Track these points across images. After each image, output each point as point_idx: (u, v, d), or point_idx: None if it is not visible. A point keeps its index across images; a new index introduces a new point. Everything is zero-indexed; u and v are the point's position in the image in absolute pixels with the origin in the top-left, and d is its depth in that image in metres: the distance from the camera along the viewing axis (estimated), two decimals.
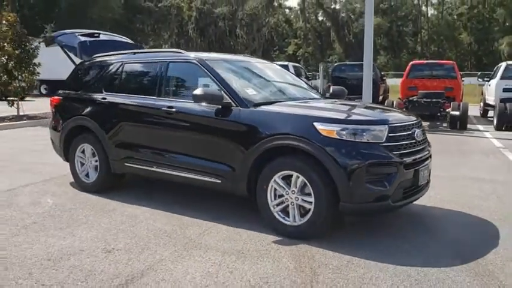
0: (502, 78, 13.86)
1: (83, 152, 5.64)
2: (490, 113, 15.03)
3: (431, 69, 14.86)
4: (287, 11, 69.14)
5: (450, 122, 12.42)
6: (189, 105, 4.67)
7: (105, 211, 4.86)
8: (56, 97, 6.04)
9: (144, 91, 5.15)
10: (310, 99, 5.06)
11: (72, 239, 4.05)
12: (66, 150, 5.79)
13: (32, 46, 13.64)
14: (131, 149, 5.13)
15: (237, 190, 4.37)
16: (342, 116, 4.06)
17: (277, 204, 4.08)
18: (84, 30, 6.59)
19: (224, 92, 4.41)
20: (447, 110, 12.57)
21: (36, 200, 5.28)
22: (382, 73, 20.30)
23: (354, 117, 4.11)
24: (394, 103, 13.73)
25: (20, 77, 13.66)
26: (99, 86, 5.52)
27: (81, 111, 5.58)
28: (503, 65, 14.32)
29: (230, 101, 4.36)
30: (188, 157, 4.64)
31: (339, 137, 3.77)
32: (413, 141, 4.10)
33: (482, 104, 16.27)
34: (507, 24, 55.47)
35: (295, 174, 3.93)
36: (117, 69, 5.42)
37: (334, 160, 3.72)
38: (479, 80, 16.15)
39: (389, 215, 4.55)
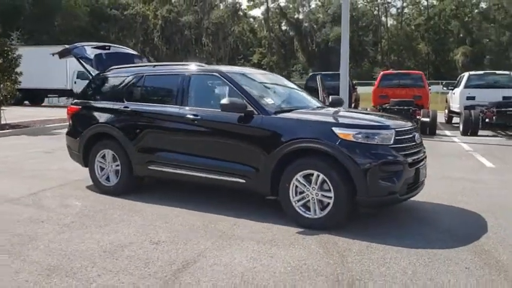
0: (465, 87, 14.99)
1: (103, 157, 6.04)
2: (455, 120, 16.12)
3: (400, 78, 15.83)
4: (252, 20, 69.99)
5: (420, 128, 13.32)
6: (212, 113, 5.20)
7: (134, 211, 5.29)
8: (74, 106, 6.42)
9: (166, 101, 5.64)
10: (317, 107, 5.67)
11: (116, 234, 4.49)
12: (86, 156, 6.17)
13: (15, 55, 13.75)
14: (155, 153, 5.59)
15: (260, 189, 4.92)
16: (356, 122, 4.70)
17: (299, 200, 4.65)
18: (96, 43, 7.00)
19: (246, 101, 4.96)
20: (418, 117, 13.49)
21: (63, 203, 5.64)
22: (354, 82, 21.24)
23: (366, 122, 4.75)
24: (369, 110, 14.56)
25: (1, 85, 13.70)
26: (120, 96, 5.96)
27: (102, 119, 6.01)
28: (466, 74, 15.46)
29: (252, 109, 4.92)
30: (213, 160, 5.15)
31: (355, 140, 4.40)
32: (414, 143, 4.77)
33: (447, 111, 17.40)
34: (461, 35, 58.32)
35: (316, 173, 4.51)
36: (138, 80, 5.88)
37: (353, 160, 4.33)
38: (444, 88, 17.31)
39: (390, 208, 5.19)
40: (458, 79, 16.52)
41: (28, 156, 9.18)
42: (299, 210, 4.65)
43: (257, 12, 71.32)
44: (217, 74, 5.38)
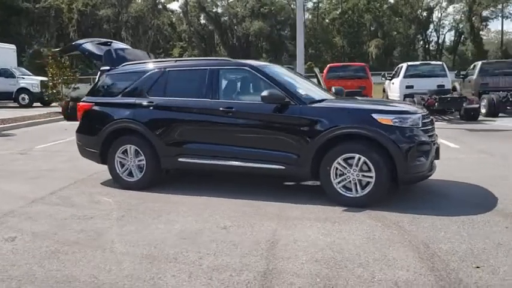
0: (404, 77, 16.29)
1: (124, 152, 6.09)
2: None
3: (345, 70, 16.83)
4: (171, 13, 69.02)
5: None
6: (247, 104, 5.51)
7: (172, 203, 5.45)
8: (85, 103, 6.37)
9: (194, 94, 5.82)
10: (334, 98, 6.15)
11: (178, 224, 4.67)
12: (104, 153, 6.17)
13: None
14: (185, 145, 5.76)
15: (300, 173, 5.32)
16: (391, 108, 5.26)
17: (339, 182, 5.11)
18: (99, 39, 6.94)
19: (283, 92, 5.31)
20: None
21: (93, 200, 5.65)
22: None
23: (398, 108, 5.33)
24: None
25: None
26: (141, 91, 6.03)
27: (122, 115, 6.04)
28: (404, 65, 16.80)
29: (289, 99, 5.28)
30: (252, 149, 5.45)
31: (394, 124, 4.93)
32: (432, 126, 5.41)
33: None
34: (373, 28, 61.84)
35: (357, 155, 4.99)
36: (161, 75, 5.99)
37: (394, 142, 4.86)
38: (383, 78, 18.59)
39: (412, 186, 5.80)
40: (396, 69, 17.87)
41: (6, 159, 8.77)
42: (340, 191, 5.11)
43: (175, 6, 70.44)
44: (247, 68, 5.67)
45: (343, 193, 5.11)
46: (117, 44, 7.12)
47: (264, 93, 5.24)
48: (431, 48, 63.95)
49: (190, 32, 67.46)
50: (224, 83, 5.74)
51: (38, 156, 8.97)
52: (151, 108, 5.90)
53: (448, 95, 14.36)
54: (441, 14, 63.76)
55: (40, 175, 7.17)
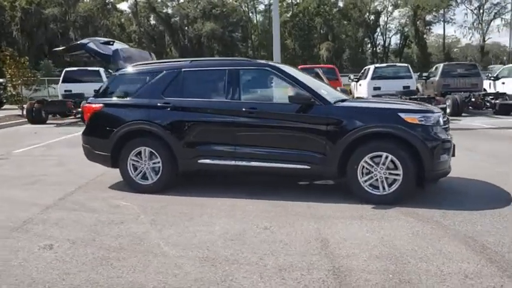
0: (372, 78, 16.77)
1: (137, 155, 5.92)
2: None
3: (315, 72, 17.05)
4: (120, 14, 67.42)
5: None
6: (270, 105, 5.54)
7: (197, 205, 5.36)
8: (93, 105, 6.14)
9: (213, 95, 5.77)
10: (352, 98, 6.26)
11: (217, 225, 4.61)
12: (116, 156, 5.98)
13: None
14: (206, 147, 5.68)
15: (326, 173, 5.39)
16: (415, 107, 5.41)
17: (366, 180, 5.22)
18: (102, 39, 6.70)
19: (307, 93, 5.36)
20: None
21: (111, 204, 5.47)
22: None
23: (422, 107, 5.49)
24: None
25: None
26: (156, 92, 5.88)
27: (136, 116, 5.88)
28: (372, 67, 17.30)
29: (314, 100, 5.34)
30: (276, 149, 5.46)
31: (419, 123, 5.09)
32: (448, 124, 5.63)
33: None
34: (323, 31, 63.14)
35: (384, 154, 5.11)
36: (176, 76, 5.88)
37: (421, 141, 5.02)
38: (349, 80, 19.06)
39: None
40: (363, 71, 18.36)
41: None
42: (367, 189, 5.22)
43: (125, 6, 68.89)
44: (268, 68, 5.68)
45: (370, 191, 5.21)
46: (119, 44, 6.90)
47: (291, 93, 5.27)
48: (378, 51, 66.03)
49: (140, 33, 66.17)
50: (244, 83, 5.71)
51: (22, 161, 8.54)
52: (168, 109, 5.78)
53: (417, 96, 14.92)
54: (387, 18, 66.03)
55: (36, 181, 6.85)
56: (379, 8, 63.75)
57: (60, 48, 6.86)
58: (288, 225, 4.56)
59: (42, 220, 4.89)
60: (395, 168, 5.12)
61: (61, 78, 18.22)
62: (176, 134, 5.73)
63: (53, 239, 4.29)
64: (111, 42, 6.66)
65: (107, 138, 5.98)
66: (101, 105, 6.09)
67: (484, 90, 17.92)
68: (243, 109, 5.52)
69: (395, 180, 5.14)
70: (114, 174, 6.80)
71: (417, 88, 18.30)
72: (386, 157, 5.11)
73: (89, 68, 18.32)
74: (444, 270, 3.46)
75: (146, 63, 6.25)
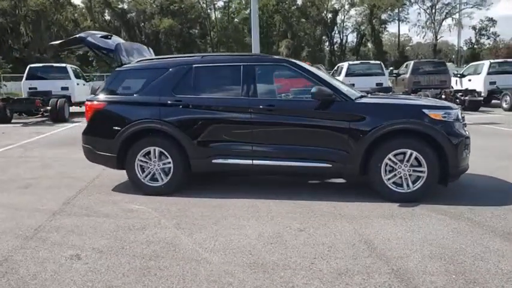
0: (346, 75, 16.90)
1: (145, 155, 5.61)
2: None
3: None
4: (74, 8, 65.18)
5: None
6: (289, 102, 5.38)
7: (215, 207, 5.12)
8: (96, 102, 5.77)
9: (228, 92, 5.53)
10: (370, 94, 6.17)
11: (248, 228, 4.40)
12: (122, 157, 5.65)
13: None
14: (220, 146, 5.44)
15: (348, 171, 5.27)
16: (438, 104, 5.37)
17: (390, 178, 5.14)
18: (100, 32, 6.30)
19: (329, 89, 5.23)
20: None
21: (124, 209, 5.15)
22: None
23: (444, 104, 5.45)
24: None
25: None
26: (165, 89, 5.58)
27: (145, 114, 5.57)
28: (345, 64, 17.46)
29: (335, 96, 5.21)
30: (296, 147, 5.29)
31: (442, 119, 5.06)
32: (465, 121, 5.64)
33: None
34: (282, 29, 63.42)
35: (409, 151, 5.05)
36: (187, 72, 5.59)
37: (446, 137, 4.99)
38: None
39: None
40: (336, 68, 18.47)
41: None
42: (391, 187, 5.14)
43: (78, 1, 66.58)
44: (286, 64, 5.50)
45: (394, 189, 5.14)
46: (117, 38, 6.51)
47: (314, 89, 5.12)
48: (335, 49, 66.99)
49: (94, 29, 64.16)
50: (261, 79, 5.51)
51: (2, 164, 7.97)
52: (180, 107, 5.49)
53: (390, 93, 15.12)
54: (344, 16, 67.13)
55: (28, 184, 6.39)
56: (336, 6, 64.73)
57: (57, 42, 6.41)
58: (322, 227, 4.40)
59: (55, 227, 4.51)
60: (419, 165, 5.07)
61: (25, 75, 17.26)
62: (189, 133, 5.46)
63: (77, 248, 3.96)
64: (109, 36, 6.27)
65: (111, 138, 5.62)
66: (104, 102, 5.72)
67: (451, 87, 18.42)
68: (261, 106, 5.32)
69: (418, 177, 5.09)
70: (112, 176, 6.49)
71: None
72: (411, 154, 5.04)
73: (55, 65, 17.51)
74: (504, 269, 3.41)
75: (152, 59, 5.94)
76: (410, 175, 5.10)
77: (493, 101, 17.76)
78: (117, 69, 5.88)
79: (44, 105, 14.92)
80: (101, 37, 6.14)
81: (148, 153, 5.60)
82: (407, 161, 5.07)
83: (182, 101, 5.50)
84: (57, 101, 15.10)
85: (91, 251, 3.90)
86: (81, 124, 15.43)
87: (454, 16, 62.31)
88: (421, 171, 5.06)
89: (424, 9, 64.21)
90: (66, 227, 4.53)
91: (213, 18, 67.82)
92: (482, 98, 16.78)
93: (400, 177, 5.13)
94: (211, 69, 5.66)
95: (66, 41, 6.13)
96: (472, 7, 61.07)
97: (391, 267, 3.48)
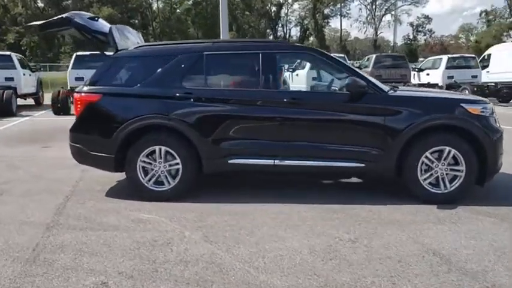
0: (311, 68, 16.53)
1: (148, 156, 4.89)
2: None
3: None
4: None
5: None
6: (316, 94, 4.86)
7: (238, 214, 4.50)
8: (89, 94, 4.94)
9: (245, 83, 4.92)
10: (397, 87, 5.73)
11: (293, 241, 3.83)
12: (121, 158, 4.88)
13: None
14: (238, 144, 4.82)
15: (382, 171, 4.81)
16: (474, 98, 5.00)
17: (426, 177, 4.74)
18: (87, 13, 5.42)
19: (363, 80, 4.74)
20: None
21: (129, 218, 4.42)
22: None
23: (478, 98, 5.10)
24: None
25: None
26: (172, 79, 4.87)
27: (150, 108, 4.84)
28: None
29: (368, 88, 4.73)
30: (323, 145, 4.76)
31: (481, 114, 4.71)
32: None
33: None
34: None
35: (447, 148, 4.66)
36: (197, 61, 4.90)
37: (485, 133, 4.64)
38: (285, 70, 18.67)
39: None
40: (299, 62, 18.07)
41: None
42: (427, 187, 4.74)
43: None
44: (311, 52, 4.94)
45: (430, 189, 4.75)
46: (103, 21, 5.66)
47: (348, 80, 4.61)
48: None
49: (27, 16, 60.44)
50: (282, 69, 4.92)
51: None
52: (191, 100, 4.80)
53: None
54: (288, 10, 67.38)
55: (1, 190, 5.44)
56: (280, 0, 64.74)
57: (37, 22, 5.45)
58: (375, 236, 3.91)
59: (57, 246, 3.72)
60: (456, 163, 4.70)
61: None
62: (201, 130, 4.79)
63: (99, 274, 3.22)
64: (96, 18, 5.42)
65: (108, 137, 4.84)
66: (100, 94, 4.90)
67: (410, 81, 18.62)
68: (285, 99, 4.74)
69: (455, 176, 4.72)
70: (98, 179, 5.78)
71: None
72: (449, 152, 4.66)
73: None
74: None
75: (155, 44, 5.17)
76: (447, 174, 4.72)
77: None
78: (114, 55, 5.07)
79: None
80: (88, 18, 5.29)
81: (152, 153, 4.87)
82: (445, 159, 4.68)
83: (193, 93, 4.81)
84: (3, 92, 13.66)
85: (118, 276, 3.18)
86: (33, 118, 14.12)
87: (392, 12, 64.29)
88: (458, 170, 4.70)
89: (365, 5, 65.70)
90: (70, 244, 3.75)
91: (155, 8, 65.83)
92: None
93: (436, 177, 4.73)
94: (225, 57, 5.00)
95: (50, 22, 5.20)
96: (409, 4, 63.27)
97: (483, 284, 3.04)
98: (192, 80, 4.89)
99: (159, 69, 4.90)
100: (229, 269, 3.29)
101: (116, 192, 5.28)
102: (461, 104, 4.71)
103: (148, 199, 4.90)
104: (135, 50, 5.12)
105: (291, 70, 17.89)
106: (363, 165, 4.76)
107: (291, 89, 5.23)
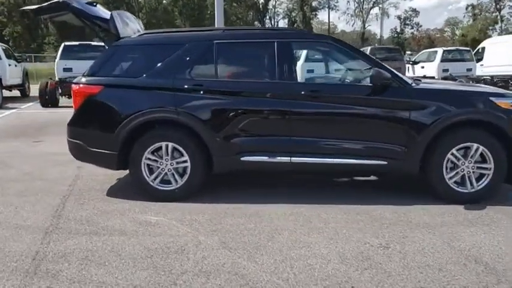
0: (305, 61, 16.21)
1: (154, 152, 4.52)
2: None
3: None
4: None
5: None
6: (336, 86, 4.53)
7: (253, 216, 4.16)
8: (89, 85, 4.54)
9: (260, 75, 4.58)
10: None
11: (321, 247, 3.51)
12: (124, 155, 4.51)
13: None
14: (252, 141, 4.48)
15: (405, 169, 4.50)
16: (502, 91, 4.71)
17: (452, 176, 4.44)
18: None
19: (386, 72, 4.41)
20: None
21: (135, 221, 4.06)
22: None
23: (506, 91, 4.81)
24: None
25: None
26: (180, 70, 4.49)
27: (156, 102, 4.46)
28: (304, 52, 16.70)
29: (392, 80, 4.40)
30: (344, 142, 4.44)
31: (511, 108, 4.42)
32: None
33: None
34: (214, 13, 61.94)
35: (475, 145, 4.37)
36: (207, 50, 4.52)
37: None
38: None
39: None
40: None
41: None
42: (453, 186, 4.46)
43: None
44: (330, 41, 4.60)
45: (455, 188, 4.46)
46: (101, 7, 5.25)
47: (373, 72, 4.28)
48: None
49: (9, 5, 59.14)
50: (300, 60, 4.58)
51: None
52: (201, 92, 4.43)
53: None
54: (275, 2, 66.84)
55: None
56: None
57: (32, 7, 5.02)
58: (407, 241, 3.61)
59: (60, 254, 3.35)
60: (484, 161, 4.42)
61: None
62: (211, 125, 4.43)
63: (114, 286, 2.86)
64: (94, 3, 5.00)
65: (111, 132, 4.46)
66: (101, 86, 4.51)
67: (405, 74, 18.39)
68: (303, 92, 4.40)
69: (482, 175, 4.44)
70: (95, 177, 5.46)
71: None
72: (477, 148, 4.37)
73: None
74: None
75: (160, 32, 4.78)
76: (473, 172, 4.43)
77: None
78: (115, 43, 4.67)
79: None
80: (87, 3, 4.87)
81: (158, 149, 4.50)
82: (472, 156, 4.39)
83: (203, 85, 4.44)
84: None
85: None
86: (20, 111, 13.57)
87: (380, 5, 64.13)
88: (486, 168, 4.42)
89: None
90: (74, 252, 3.38)
91: None
92: None
93: (462, 176, 4.44)
94: (238, 46, 4.63)
95: (45, 7, 4.77)
96: None
97: None
98: (201, 70, 4.53)
99: (166, 59, 4.52)
100: (255, 281, 2.95)
101: (117, 191, 4.91)
102: (490, 98, 4.41)
103: (153, 199, 4.54)
104: (139, 38, 4.74)
105: None
106: (385, 162, 4.45)
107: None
